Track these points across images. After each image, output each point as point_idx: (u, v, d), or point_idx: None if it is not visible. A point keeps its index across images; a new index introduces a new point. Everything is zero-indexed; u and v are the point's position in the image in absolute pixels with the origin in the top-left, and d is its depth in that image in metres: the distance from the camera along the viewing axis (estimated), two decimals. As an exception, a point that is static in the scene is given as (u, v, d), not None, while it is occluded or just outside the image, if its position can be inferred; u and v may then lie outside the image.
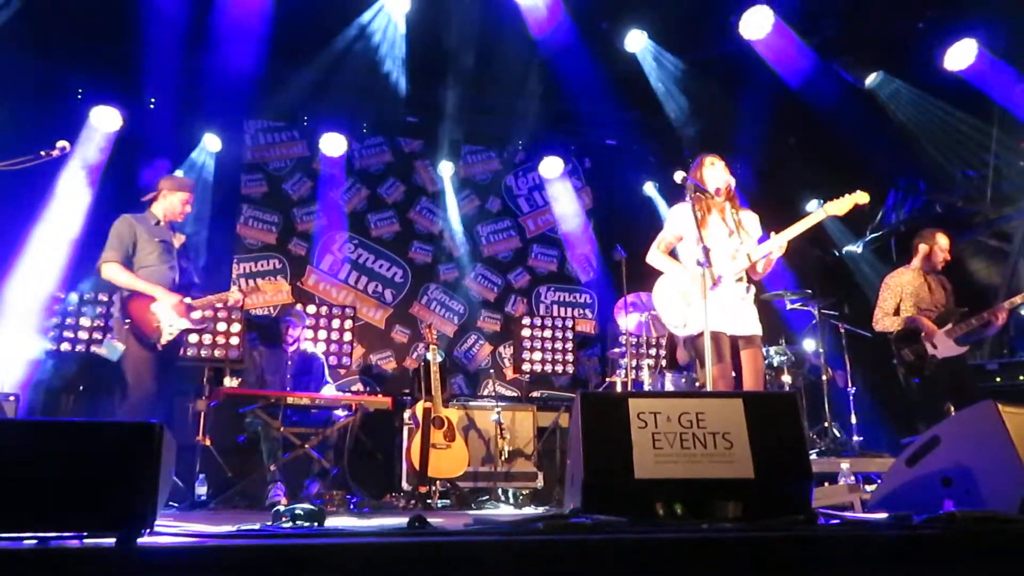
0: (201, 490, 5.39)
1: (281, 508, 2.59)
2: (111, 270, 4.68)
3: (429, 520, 2.10)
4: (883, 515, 2.61)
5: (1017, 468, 2.54)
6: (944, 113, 7.11)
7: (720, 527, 2.18)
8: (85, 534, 1.70)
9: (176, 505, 5.01)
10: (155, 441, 1.73)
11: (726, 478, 2.42)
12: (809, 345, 7.16)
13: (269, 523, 2.52)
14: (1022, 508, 2.50)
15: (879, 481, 4.02)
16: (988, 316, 5.10)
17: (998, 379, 5.99)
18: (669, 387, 6.76)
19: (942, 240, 5.45)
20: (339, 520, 3.36)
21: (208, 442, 5.95)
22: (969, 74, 6.61)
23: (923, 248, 5.49)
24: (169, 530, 1.89)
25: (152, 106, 7.48)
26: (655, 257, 4.44)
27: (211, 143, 7.68)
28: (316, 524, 2.52)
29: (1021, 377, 5.90)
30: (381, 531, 1.98)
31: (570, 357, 7.58)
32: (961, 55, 6.49)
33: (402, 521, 2.14)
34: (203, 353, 6.55)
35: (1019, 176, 7.10)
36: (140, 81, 7.06)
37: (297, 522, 2.47)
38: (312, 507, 2.60)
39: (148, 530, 1.74)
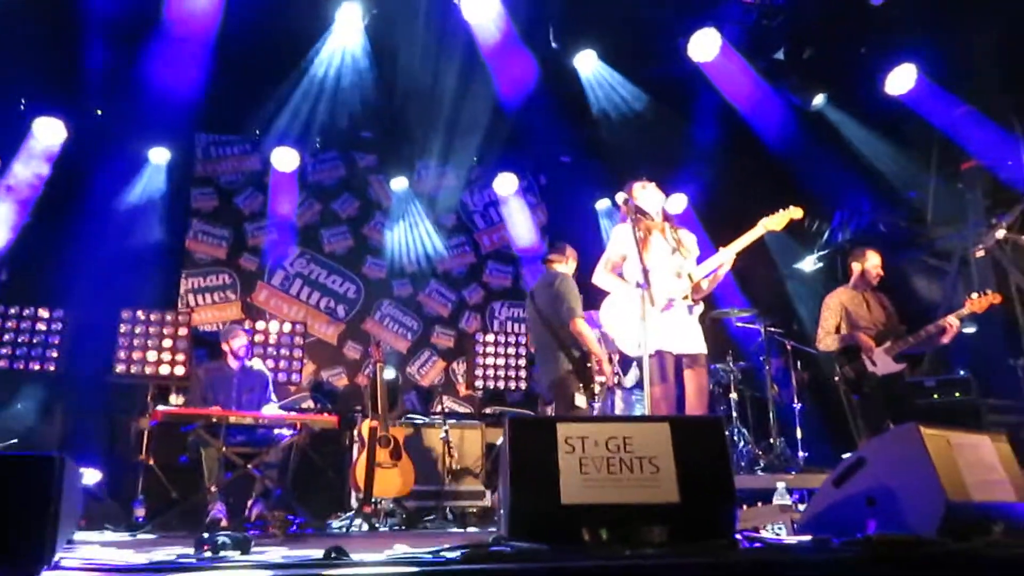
0: (139, 511, 5.27)
1: (205, 536, 2.55)
2: (583, 325, 4.93)
3: (377, 537, 2.09)
4: (806, 538, 2.65)
5: (936, 490, 2.59)
6: (886, 136, 7.30)
7: (642, 553, 2.19)
8: (-19, 571, 1.65)
9: (111, 527, 4.89)
10: (56, 474, 1.69)
11: (652, 503, 2.43)
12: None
13: (192, 551, 2.48)
14: (940, 529, 2.55)
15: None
16: (933, 328, 5.19)
17: (936, 396, 6.13)
18: (620, 404, 6.80)
19: (873, 258, 5.56)
20: (267, 547, 3.30)
21: (151, 461, 5.85)
22: (909, 99, 6.79)
23: (856, 267, 5.61)
24: (74, 564, 1.84)
25: (98, 117, 7.34)
26: (601, 277, 4.48)
27: (159, 155, 7.56)
28: (240, 552, 2.48)
29: (957, 394, 6.05)
30: (295, 563, 1.95)
31: (523, 373, 7.61)
32: (901, 80, 6.66)
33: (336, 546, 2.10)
34: (147, 371, 6.42)
35: (957, 198, 7.31)
36: (85, 91, 6.93)
37: (220, 551, 2.43)
38: (237, 535, 2.56)
39: (48, 565, 1.70)
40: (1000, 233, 5.66)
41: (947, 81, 6.70)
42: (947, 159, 7.30)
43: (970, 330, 6.50)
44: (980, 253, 6.82)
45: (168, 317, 6.57)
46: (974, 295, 5.21)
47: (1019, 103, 6.59)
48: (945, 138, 7.01)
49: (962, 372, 6.36)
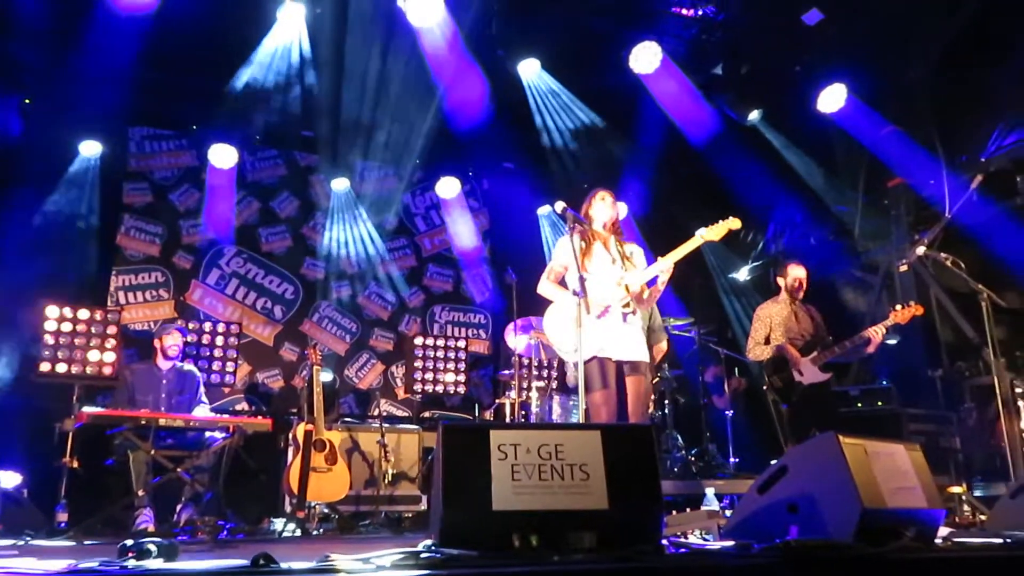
0: (62, 516, 5.09)
1: (130, 542, 2.49)
2: None
3: (309, 543, 2.07)
4: (729, 543, 2.74)
5: (853, 496, 2.70)
6: (817, 152, 7.55)
7: (570, 559, 2.23)
8: None
9: (32, 533, 4.71)
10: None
11: (581, 509, 2.47)
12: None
13: (116, 558, 2.42)
14: (856, 534, 2.66)
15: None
16: (858, 339, 5.38)
17: (859, 404, 6.35)
18: (557, 409, 6.86)
19: (793, 271, 5.74)
20: (196, 553, 3.25)
21: (76, 464, 5.65)
22: (840, 117, 7.04)
23: (780, 281, 5.80)
24: (-11, 573, 1.79)
25: (26, 106, 7.08)
26: (545, 287, 4.52)
27: (91, 148, 7.33)
28: (166, 559, 2.43)
29: (880, 403, 6.28)
30: (221, 571, 1.93)
31: (463, 378, 7.60)
32: (832, 99, 6.91)
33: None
34: (74, 370, 6.22)
35: (883, 214, 7.61)
36: (13, 79, 6.69)
37: (143, 559, 2.38)
38: (164, 541, 2.51)
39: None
40: (921, 249, 5.90)
41: (875, 102, 6.97)
42: (874, 176, 7.59)
43: (893, 341, 6.77)
44: (903, 268, 7.11)
45: (97, 315, 6.36)
46: (898, 307, 5.43)
47: (941, 126, 6.89)
48: (872, 156, 7.29)
49: (884, 382, 6.61)
